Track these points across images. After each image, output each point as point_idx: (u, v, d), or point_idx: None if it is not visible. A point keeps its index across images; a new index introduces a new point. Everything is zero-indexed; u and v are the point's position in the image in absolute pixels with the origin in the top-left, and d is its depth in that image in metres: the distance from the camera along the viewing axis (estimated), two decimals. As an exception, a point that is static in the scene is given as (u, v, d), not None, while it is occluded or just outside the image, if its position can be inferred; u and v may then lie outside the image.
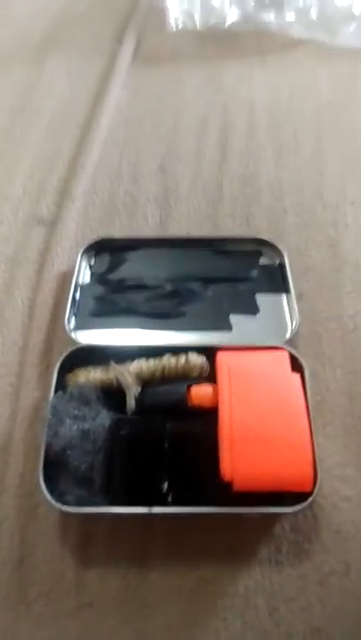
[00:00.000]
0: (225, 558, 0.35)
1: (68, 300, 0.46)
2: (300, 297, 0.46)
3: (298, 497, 0.34)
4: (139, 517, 0.35)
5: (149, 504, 0.34)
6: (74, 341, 0.43)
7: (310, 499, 0.34)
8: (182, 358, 0.40)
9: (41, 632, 0.34)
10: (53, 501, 0.34)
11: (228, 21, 0.75)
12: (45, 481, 0.35)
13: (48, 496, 0.34)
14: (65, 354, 0.41)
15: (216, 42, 0.76)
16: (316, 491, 0.34)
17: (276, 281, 0.48)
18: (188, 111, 0.67)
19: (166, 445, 0.36)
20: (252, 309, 0.47)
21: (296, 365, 0.39)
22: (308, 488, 0.33)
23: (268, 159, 0.61)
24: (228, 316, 0.46)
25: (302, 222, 0.55)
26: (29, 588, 0.35)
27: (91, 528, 0.37)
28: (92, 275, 0.50)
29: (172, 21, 0.75)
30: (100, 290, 0.49)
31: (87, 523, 0.37)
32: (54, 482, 0.35)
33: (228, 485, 0.33)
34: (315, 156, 0.62)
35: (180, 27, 0.75)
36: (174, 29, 0.75)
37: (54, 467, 0.36)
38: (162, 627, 0.34)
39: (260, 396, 0.36)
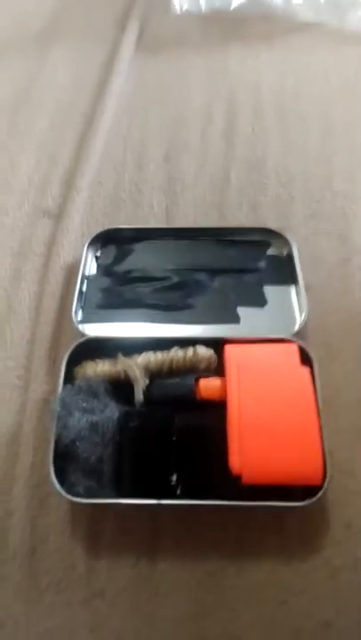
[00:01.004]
0: (233, 551, 0.36)
1: (74, 292, 0.46)
2: (308, 288, 0.46)
3: (307, 490, 0.34)
4: (148, 509, 0.35)
5: (158, 496, 0.34)
6: (81, 334, 0.43)
7: (320, 493, 0.33)
8: (190, 351, 0.40)
9: (52, 621, 0.34)
10: (64, 492, 0.35)
11: (234, 4, 0.72)
12: (55, 472, 0.35)
13: (58, 487, 0.35)
14: (72, 346, 0.41)
15: (221, 26, 0.75)
16: (326, 485, 0.34)
17: (285, 272, 0.47)
18: (193, 98, 0.66)
19: (175, 438, 0.36)
20: (260, 301, 0.46)
21: (305, 358, 0.39)
22: (317, 482, 0.33)
23: (276, 147, 0.60)
24: (236, 308, 0.46)
25: (311, 211, 0.54)
26: (40, 577, 0.36)
27: (101, 519, 0.37)
28: (98, 266, 0.50)
29: (175, 5, 0.73)
30: (106, 282, 0.48)
31: (97, 513, 0.37)
32: (64, 473, 0.36)
33: (237, 479, 0.33)
34: (323, 142, 0.60)
35: (184, 10, 0.73)
36: (178, 13, 0.73)
37: (64, 458, 0.36)
38: (171, 617, 0.34)
39: (268, 389, 0.36)
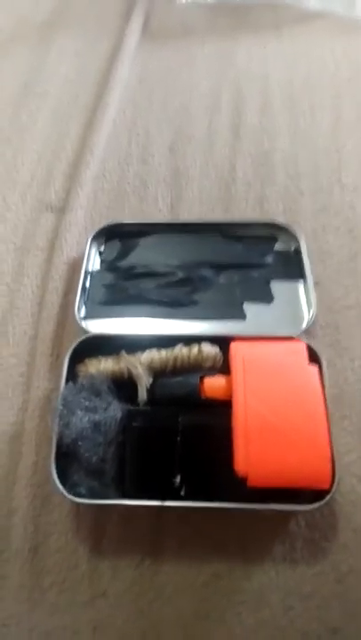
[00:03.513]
0: (239, 553, 0.35)
1: (77, 288, 0.45)
2: (316, 284, 0.45)
3: (315, 493, 0.33)
4: (152, 509, 0.35)
5: (162, 497, 0.34)
6: (84, 330, 0.42)
7: (328, 497, 0.33)
8: (195, 348, 0.39)
9: (55, 621, 0.34)
10: (65, 493, 0.34)
11: (241, -8, 0.71)
12: (58, 472, 0.35)
13: (60, 488, 0.34)
14: (75, 343, 0.41)
15: (228, 15, 0.73)
16: (334, 489, 0.33)
17: (292, 267, 0.46)
18: (199, 89, 0.65)
19: (179, 438, 0.35)
20: (267, 297, 0.45)
21: (313, 356, 0.38)
22: (325, 485, 0.32)
23: (284, 138, 0.59)
24: (242, 304, 0.45)
25: (319, 205, 0.52)
26: (43, 577, 0.35)
27: (104, 518, 0.37)
28: (101, 262, 0.49)
29: (181, -6, 0.72)
30: (110, 277, 0.48)
31: (100, 513, 0.37)
32: (67, 473, 0.35)
33: (243, 480, 0.33)
34: (332, 134, 0.59)
35: (189, 0, 0.72)
36: (184, 2, 0.72)
37: (66, 458, 0.36)
38: (175, 619, 0.33)
39: (275, 389, 0.35)
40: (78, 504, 0.35)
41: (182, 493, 0.34)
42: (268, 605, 0.33)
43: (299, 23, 0.72)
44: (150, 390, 0.38)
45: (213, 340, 0.40)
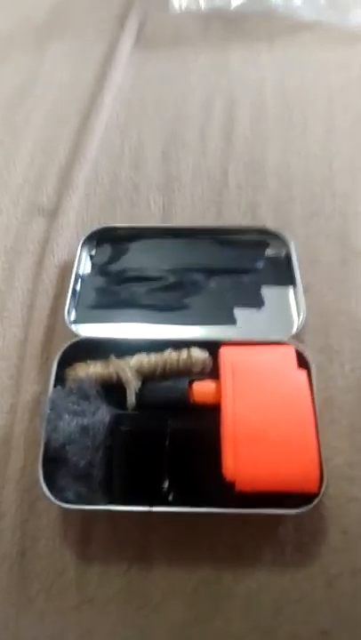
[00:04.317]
0: (228, 558, 0.35)
1: (68, 291, 0.45)
2: (307, 290, 0.45)
3: (303, 497, 0.33)
4: (140, 515, 0.35)
5: (150, 502, 0.33)
6: (74, 334, 0.42)
7: (316, 500, 0.33)
8: (184, 353, 0.39)
9: (42, 627, 0.34)
10: (52, 498, 0.34)
11: (234, 3, 0.72)
12: (45, 477, 0.35)
13: (48, 493, 0.34)
14: (64, 347, 0.41)
15: (221, 24, 0.74)
16: (322, 492, 0.33)
17: (283, 273, 0.47)
18: (193, 96, 0.65)
19: (167, 443, 0.35)
20: (258, 302, 0.45)
21: (302, 361, 0.38)
22: (313, 489, 0.32)
23: (276, 146, 0.59)
24: (233, 309, 0.45)
25: (310, 211, 0.53)
26: (30, 582, 0.35)
27: (92, 524, 0.36)
28: (92, 265, 0.49)
29: (175, 3, 0.72)
30: (100, 281, 0.48)
31: (88, 518, 0.36)
32: (54, 477, 0.35)
33: (231, 485, 0.32)
34: (324, 142, 0.59)
35: (183, 8, 0.72)
36: (178, 11, 0.73)
37: (54, 462, 0.35)
38: (164, 625, 0.33)
39: (264, 393, 0.35)
40: (66, 509, 0.35)
41: (170, 498, 0.34)
42: (257, 609, 0.33)
43: (291, 33, 0.73)
44: (139, 394, 0.38)
45: (203, 344, 0.40)
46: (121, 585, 0.34)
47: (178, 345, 0.40)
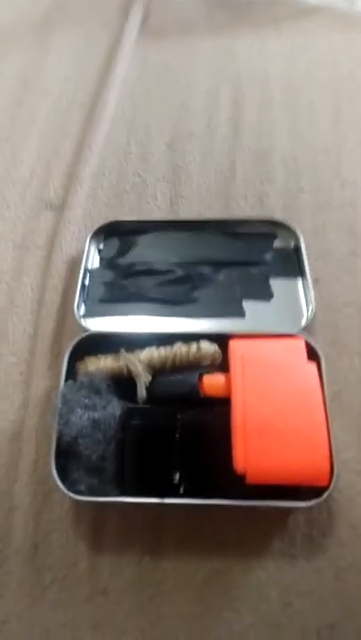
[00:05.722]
0: (238, 550, 0.35)
1: (77, 286, 0.45)
2: (316, 282, 0.45)
3: (313, 489, 0.33)
4: (151, 507, 0.35)
5: (161, 494, 0.34)
6: (83, 328, 0.42)
7: (326, 493, 0.33)
8: (194, 346, 0.39)
9: (55, 617, 0.34)
10: (66, 491, 0.34)
11: (241, -12, 0.71)
12: (58, 470, 0.35)
13: (60, 485, 0.34)
14: (74, 341, 0.41)
15: (227, 11, 0.73)
16: (332, 486, 0.33)
17: (292, 265, 0.46)
18: (199, 85, 0.65)
19: (178, 436, 0.35)
20: (266, 295, 0.45)
21: (312, 354, 0.38)
22: (323, 482, 0.32)
23: (283, 135, 0.58)
24: (241, 301, 0.45)
25: (319, 202, 0.52)
26: (44, 574, 0.35)
27: (104, 516, 0.37)
28: (101, 259, 0.49)
29: (180, -10, 0.71)
30: (109, 275, 0.48)
31: (100, 510, 0.37)
32: (66, 470, 0.35)
33: (242, 477, 0.33)
34: (332, 130, 0.58)
35: (189, -5, 0.71)
36: (183, -1, 0.72)
37: (66, 456, 0.36)
38: (174, 615, 0.34)
39: (274, 386, 0.35)
40: (78, 501, 0.35)
41: (181, 491, 0.34)
42: (266, 601, 0.33)
43: (298, 19, 0.71)
44: (149, 388, 0.38)
45: (212, 337, 0.40)
46: (132, 576, 0.35)
47: (187, 338, 0.40)
